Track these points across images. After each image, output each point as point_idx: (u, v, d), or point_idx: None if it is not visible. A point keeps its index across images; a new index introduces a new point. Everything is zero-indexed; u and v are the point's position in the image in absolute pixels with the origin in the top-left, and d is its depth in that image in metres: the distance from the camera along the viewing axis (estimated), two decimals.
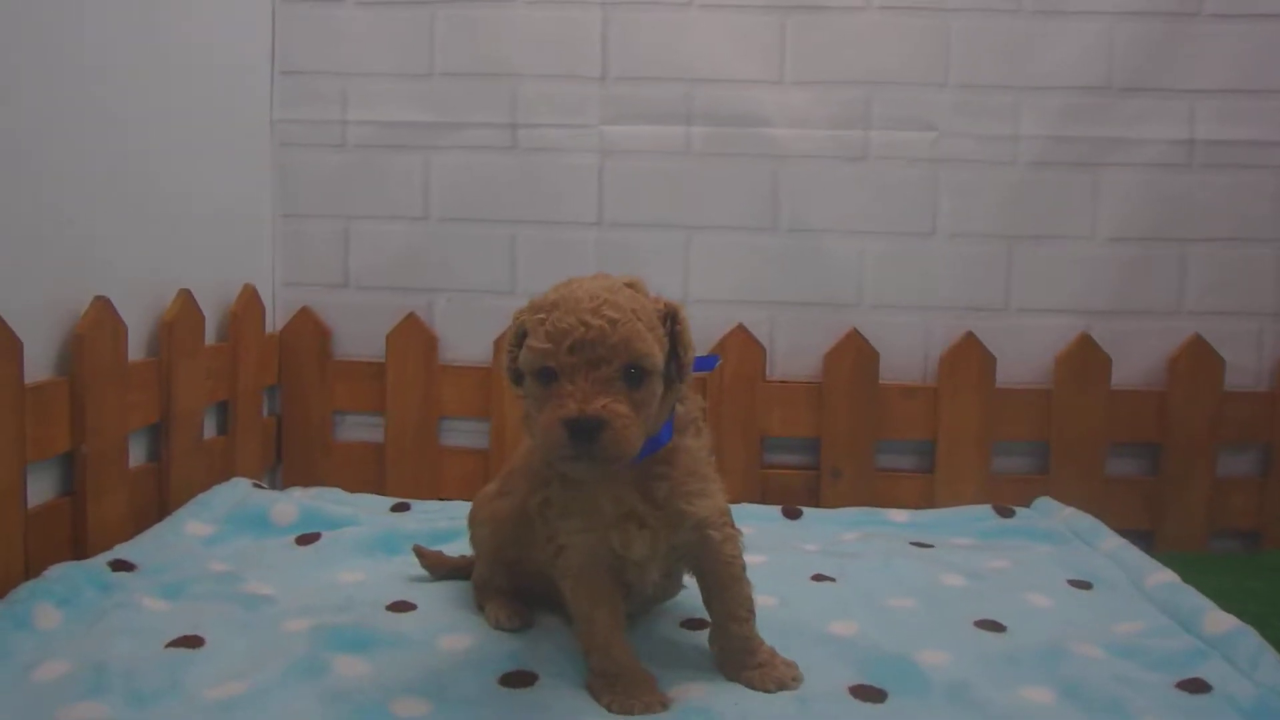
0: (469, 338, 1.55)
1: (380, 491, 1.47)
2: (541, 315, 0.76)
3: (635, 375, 0.75)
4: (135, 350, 1.18)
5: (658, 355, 0.77)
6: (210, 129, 1.36)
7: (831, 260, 1.50)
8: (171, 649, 0.86)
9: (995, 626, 1.00)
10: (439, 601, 1.03)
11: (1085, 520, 1.34)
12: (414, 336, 1.54)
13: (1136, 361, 1.49)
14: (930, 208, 1.50)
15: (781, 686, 0.84)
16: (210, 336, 1.36)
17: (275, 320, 1.56)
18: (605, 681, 0.82)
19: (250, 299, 1.44)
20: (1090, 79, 1.47)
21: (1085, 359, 1.48)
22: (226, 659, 0.85)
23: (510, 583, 0.99)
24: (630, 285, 0.80)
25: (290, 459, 1.56)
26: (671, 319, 0.80)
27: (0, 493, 0.93)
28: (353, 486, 1.46)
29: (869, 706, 0.82)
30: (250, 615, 0.95)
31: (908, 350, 1.51)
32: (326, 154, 1.54)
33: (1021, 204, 1.49)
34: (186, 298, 1.26)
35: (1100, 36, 1.46)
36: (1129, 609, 1.07)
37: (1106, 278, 1.49)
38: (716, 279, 1.52)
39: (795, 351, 1.52)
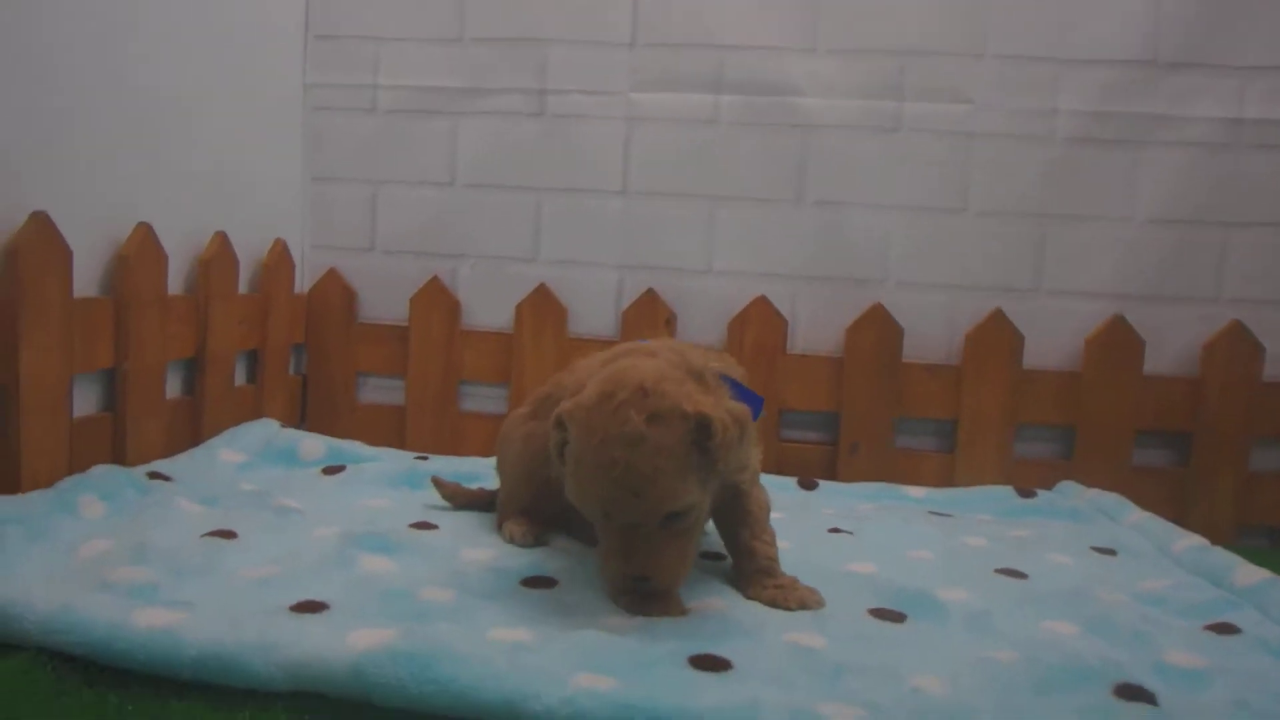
0: (491, 304, 1.56)
1: None
2: (572, 464, 0.78)
3: (673, 517, 0.76)
4: (175, 286, 1.24)
5: (693, 495, 0.76)
6: (244, 90, 1.39)
7: (858, 235, 1.48)
8: (208, 538, 0.90)
9: (1016, 574, 0.98)
10: (461, 524, 1.06)
11: (1110, 498, 1.32)
12: (437, 301, 1.56)
13: (1171, 347, 1.45)
14: (962, 183, 1.46)
15: (803, 606, 0.84)
16: (243, 287, 1.40)
17: (304, 281, 1.59)
18: (620, 592, 0.82)
19: (281, 253, 1.47)
20: (1134, 52, 1.42)
21: (1117, 342, 1.44)
22: (260, 550, 0.89)
23: (534, 503, 1.01)
24: (652, 417, 0.74)
25: (314, 417, 1.59)
26: (703, 432, 0.76)
27: (51, 397, 1.00)
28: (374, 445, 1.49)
29: (888, 625, 0.81)
30: (281, 521, 0.99)
31: (933, 328, 1.48)
32: (357, 118, 1.55)
33: (1057, 182, 1.45)
34: (223, 240, 1.31)
35: (1146, 8, 1.41)
36: (1155, 570, 1.04)
37: (1143, 261, 1.44)
38: (740, 250, 1.51)
39: (817, 326, 1.50)
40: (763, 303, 1.49)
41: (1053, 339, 1.46)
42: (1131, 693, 0.68)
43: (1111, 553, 1.10)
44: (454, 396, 1.57)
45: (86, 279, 1.08)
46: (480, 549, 0.96)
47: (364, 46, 1.54)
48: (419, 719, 0.61)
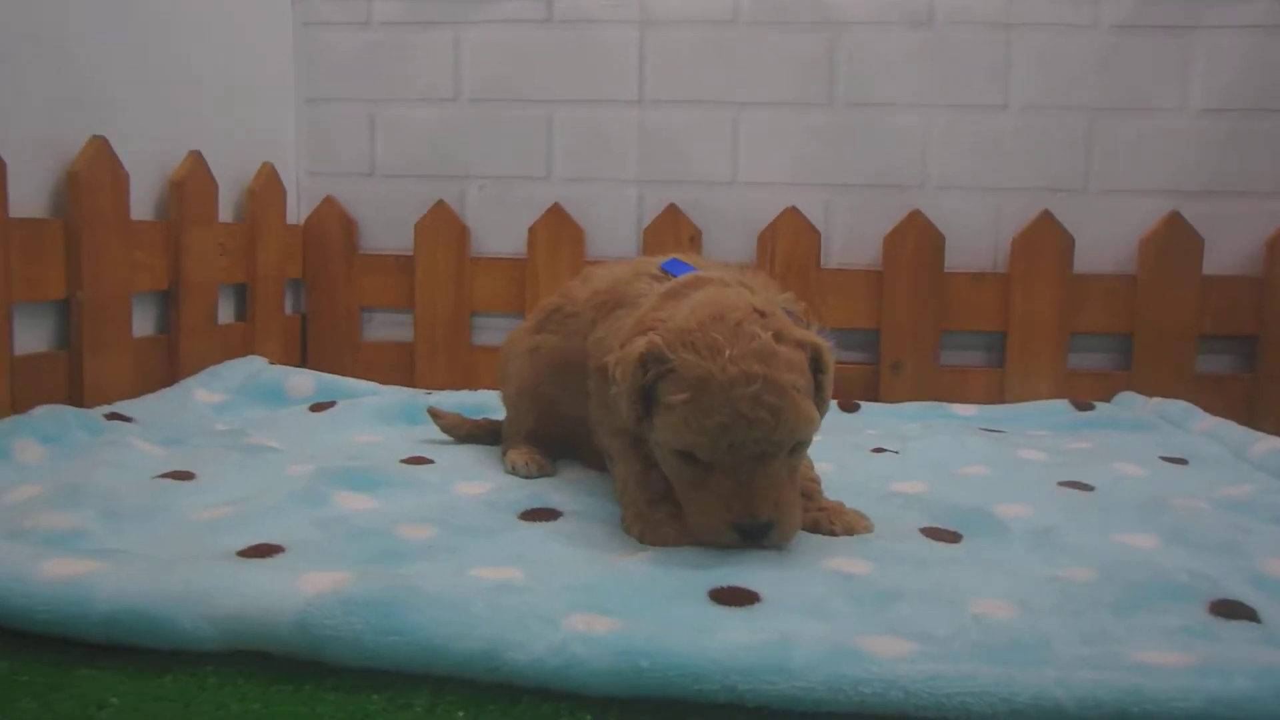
0: (502, 228, 1.46)
1: None
2: (686, 395, 0.65)
3: (797, 448, 0.67)
4: (143, 212, 1.12)
5: (819, 421, 0.68)
6: (227, 4, 1.28)
7: (893, 137, 1.39)
8: (159, 480, 0.78)
9: (1082, 486, 0.88)
10: (462, 457, 0.94)
11: (1175, 406, 1.22)
12: (444, 227, 1.45)
13: (1232, 246, 1.35)
14: (1002, 78, 1.37)
15: (850, 531, 0.73)
16: (227, 215, 1.29)
17: (300, 211, 1.48)
18: (639, 516, 0.72)
19: (269, 178, 1.36)
20: None
21: (1174, 242, 1.35)
22: (217, 490, 0.77)
23: (541, 426, 0.90)
24: (778, 335, 0.66)
25: (315, 358, 1.48)
26: (817, 362, 0.69)
27: None
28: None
29: (942, 546, 0.71)
30: (251, 460, 0.87)
31: (976, 234, 1.39)
32: (350, 33, 1.46)
33: (1104, 73, 1.36)
34: (197, 159, 1.19)
35: None
36: (1235, 475, 0.95)
37: (1199, 154, 1.35)
38: (767, 160, 1.41)
39: (853, 237, 1.40)
40: (793, 214, 1.39)
41: (1105, 241, 1.37)
42: (1229, 609, 0.58)
43: (1183, 461, 1.01)
44: (465, 329, 1.46)
45: (33, 198, 0.95)
46: (477, 482, 0.84)
47: None
48: (381, 677, 0.48)
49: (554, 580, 0.58)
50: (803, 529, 0.73)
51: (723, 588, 0.59)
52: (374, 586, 0.51)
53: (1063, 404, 1.29)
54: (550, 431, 0.90)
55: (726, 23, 1.40)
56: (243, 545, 0.63)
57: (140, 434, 0.91)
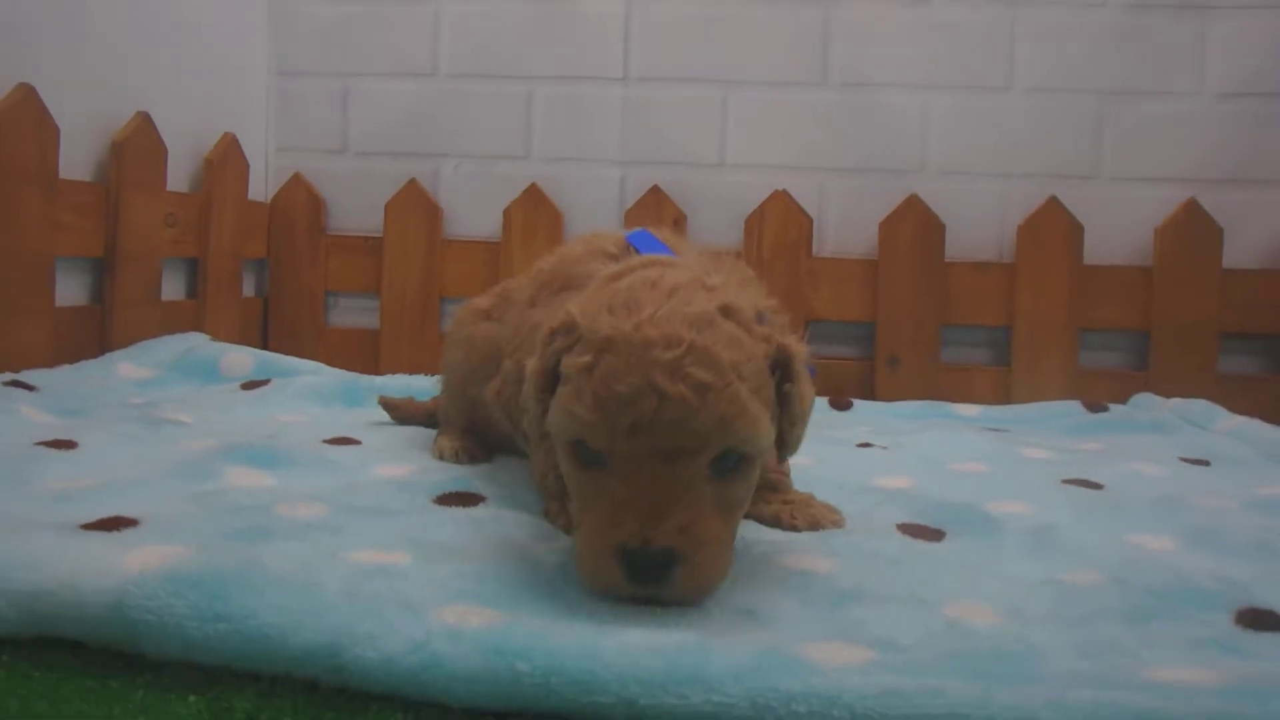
0: (477, 209, 1.38)
1: None
2: (587, 358, 0.49)
3: (732, 465, 0.50)
4: (80, 172, 1.04)
5: (768, 431, 0.51)
6: None
7: (890, 118, 1.30)
8: (35, 448, 0.70)
9: (1089, 484, 0.79)
10: (394, 439, 0.85)
11: (1196, 405, 1.12)
12: (415, 206, 1.38)
13: (1252, 237, 1.26)
14: (1005, 57, 1.29)
15: (814, 526, 0.63)
16: (181, 185, 1.21)
17: (268, 189, 1.41)
18: (563, 509, 0.60)
19: (229, 148, 1.29)
20: None
21: (1192, 231, 1.25)
22: (94, 461, 0.68)
23: (469, 419, 0.80)
24: (726, 309, 0.51)
25: (276, 343, 1.39)
26: (784, 369, 0.53)
27: None
28: None
29: (920, 544, 0.61)
30: (147, 432, 0.78)
31: (980, 221, 1.30)
32: (327, 4, 1.39)
33: (1115, 52, 1.27)
34: (143, 120, 1.11)
35: None
36: (1264, 475, 0.85)
37: (1217, 141, 1.26)
38: (758, 141, 1.33)
39: (848, 223, 1.32)
40: (783, 198, 1.31)
41: (1118, 230, 1.27)
42: (1259, 619, 0.50)
43: (1204, 463, 0.91)
44: (435, 315, 1.38)
45: None
46: (399, 465, 0.74)
47: None
48: (206, 674, 0.40)
49: (442, 565, 0.48)
50: (764, 523, 0.63)
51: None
52: (209, 563, 0.42)
53: (1074, 405, 1.19)
54: (481, 426, 0.80)
55: None
56: (92, 518, 0.54)
57: (37, 402, 0.83)
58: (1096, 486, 0.78)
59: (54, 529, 0.50)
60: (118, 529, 0.52)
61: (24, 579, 0.42)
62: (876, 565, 0.55)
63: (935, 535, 0.63)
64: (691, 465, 0.48)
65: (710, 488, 0.49)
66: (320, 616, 0.40)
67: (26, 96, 0.94)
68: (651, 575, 0.46)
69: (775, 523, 0.63)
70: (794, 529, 0.62)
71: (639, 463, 0.48)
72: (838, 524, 0.64)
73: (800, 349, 0.54)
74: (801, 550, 0.57)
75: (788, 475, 0.69)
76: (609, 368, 0.48)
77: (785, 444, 0.54)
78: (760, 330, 0.53)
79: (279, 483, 0.66)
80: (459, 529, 0.57)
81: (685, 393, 0.47)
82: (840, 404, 1.20)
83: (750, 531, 0.61)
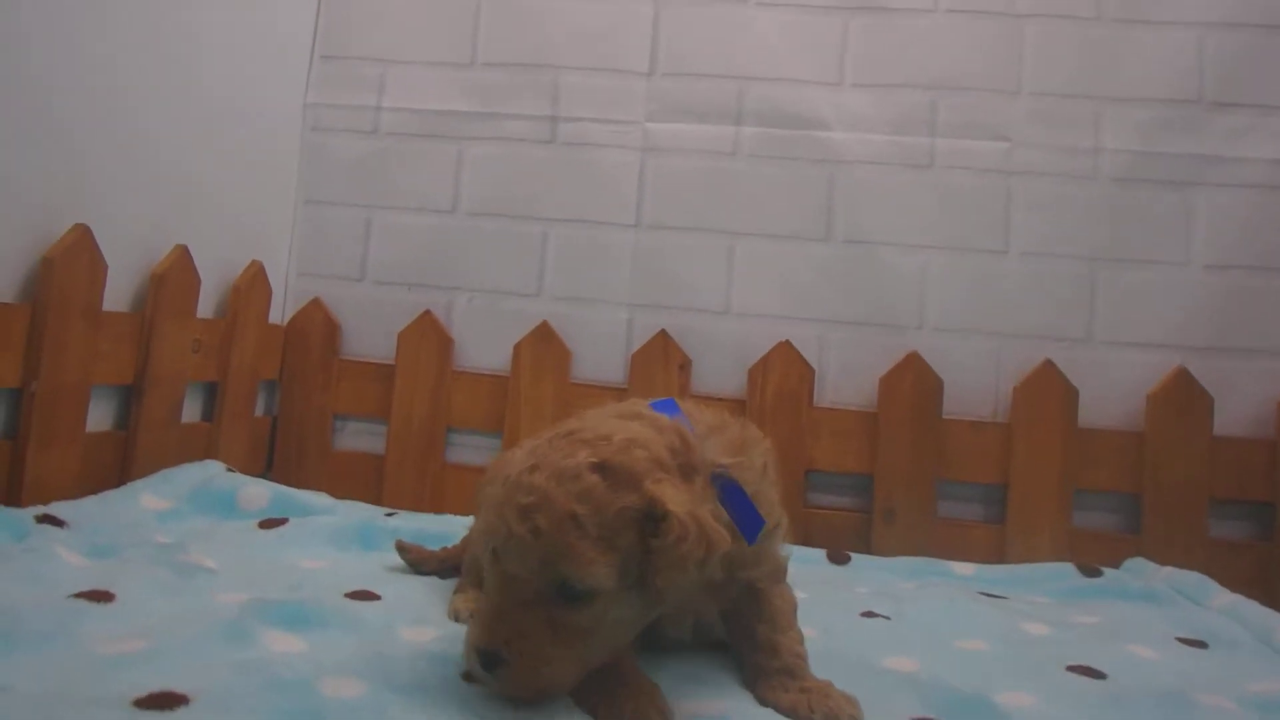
0: (487, 342, 1.41)
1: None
2: (493, 490, 0.63)
3: (574, 595, 0.60)
4: (119, 302, 1.08)
5: (599, 575, 0.59)
6: (237, 105, 1.29)
7: (891, 275, 1.36)
8: (74, 600, 0.71)
9: (1092, 673, 0.80)
10: (411, 592, 0.87)
11: (1189, 577, 1.13)
12: (428, 336, 1.41)
13: (1241, 405, 1.30)
14: (1002, 222, 1.35)
15: (832, 718, 0.64)
16: (208, 311, 1.25)
17: (285, 311, 1.45)
18: (594, 685, 0.63)
19: (256, 276, 1.33)
20: (1178, 91, 1.33)
21: (1182, 398, 1.29)
22: (134, 617, 0.69)
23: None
24: (600, 466, 0.60)
25: (281, 464, 1.41)
26: (651, 527, 0.60)
27: None
28: (346, 498, 1.31)
29: None
30: (180, 581, 0.80)
31: (976, 380, 1.34)
32: (356, 140, 1.46)
33: (1105, 223, 1.34)
34: (182, 254, 1.16)
35: (1187, 46, 1.33)
36: (1261, 667, 0.86)
37: (1205, 309, 1.31)
38: (762, 291, 1.38)
39: (848, 375, 1.35)
40: (787, 348, 1.35)
41: (1111, 394, 1.31)
42: None
43: (1202, 645, 0.92)
44: (440, 444, 1.40)
45: (3, 282, 0.92)
46: (422, 627, 0.76)
47: (370, 68, 1.46)
48: None
49: None
50: (781, 713, 0.65)
51: None
52: None
53: (1068, 567, 1.20)
54: None
55: (727, 154, 1.40)
56: (143, 691, 0.56)
57: (70, 541, 0.84)
58: (1100, 676, 0.79)
59: (111, 706, 0.52)
60: (174, 707, 0.55)
61: None
62: None
63: None
64: (527, 590, 0.60)
65: (553, 611, 0.60)
66: None
67: (82, 237, 0.99)
68: (485, 669, 0.60)
69: (793, 713, 0.65)
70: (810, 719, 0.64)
71: (497, 582, 0.62)
72: (855, 718, 0.65)
73: (683, 512, 0.60)
74: None
75: (804, 659, 0.71)
76: (488, 499, 0.62)
77: (647, 586, 0.61)
78: (646, 487, 0.60)
79: (311, 648, 0.68)
80: (499, 708, 0.61)
81: (524, 533, 0.59)
82: (838, 558, 1.21)
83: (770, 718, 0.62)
